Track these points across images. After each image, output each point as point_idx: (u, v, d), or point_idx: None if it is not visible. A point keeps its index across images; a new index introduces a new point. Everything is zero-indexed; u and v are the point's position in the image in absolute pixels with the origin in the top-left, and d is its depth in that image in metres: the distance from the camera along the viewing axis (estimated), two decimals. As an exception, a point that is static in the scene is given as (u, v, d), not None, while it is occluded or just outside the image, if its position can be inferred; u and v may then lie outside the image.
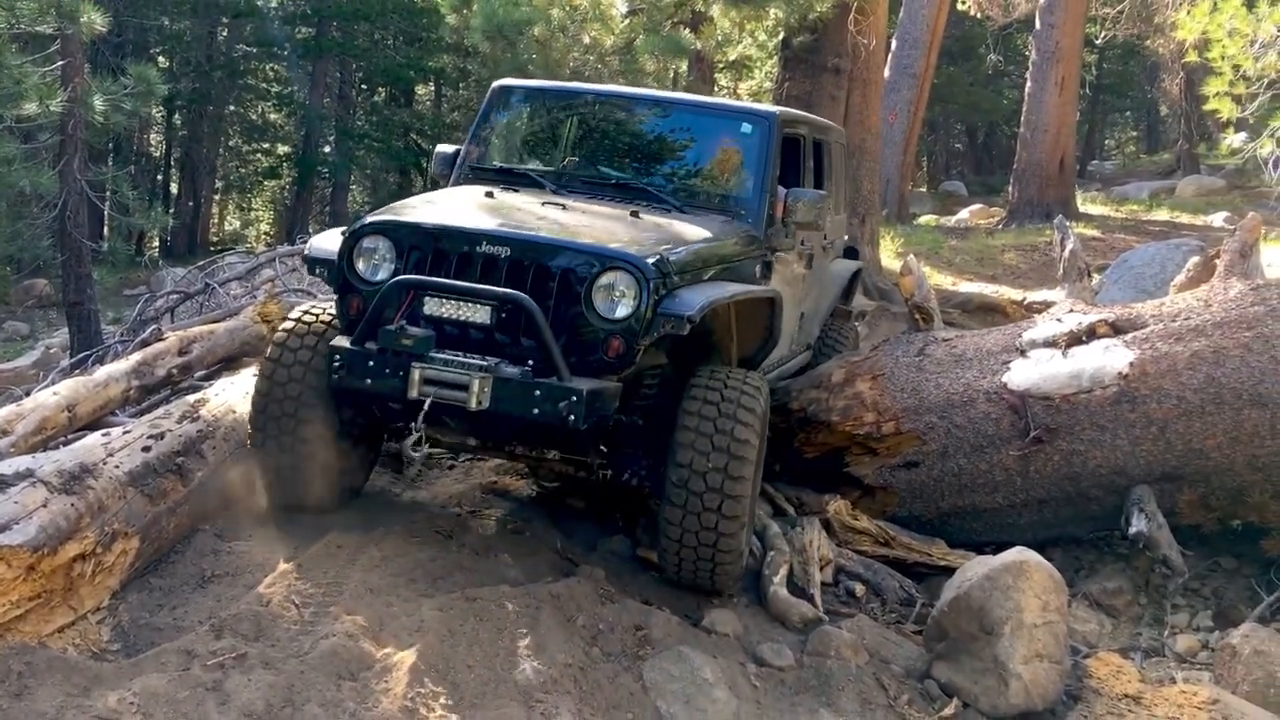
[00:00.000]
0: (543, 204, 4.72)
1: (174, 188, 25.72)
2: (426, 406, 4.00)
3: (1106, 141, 41.28)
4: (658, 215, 4.82)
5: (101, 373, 5.24)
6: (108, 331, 8.22)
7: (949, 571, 4.93)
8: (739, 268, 4.84)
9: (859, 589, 5.10)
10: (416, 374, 4.00)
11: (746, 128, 5.14)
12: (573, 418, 4.00)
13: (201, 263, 9.20)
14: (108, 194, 10.08)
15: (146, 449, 4.38)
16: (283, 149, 26.66)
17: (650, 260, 4.16)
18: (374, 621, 4.01)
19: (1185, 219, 18.91)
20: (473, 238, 4.22)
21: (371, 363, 4.11)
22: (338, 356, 4.18)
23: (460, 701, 3.73)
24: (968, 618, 4.32)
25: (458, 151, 5.36)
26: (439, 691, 3.75)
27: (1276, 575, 4.98)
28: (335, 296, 4.44)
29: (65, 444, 4.79)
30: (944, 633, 4.44)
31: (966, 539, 5.46)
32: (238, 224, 32.33)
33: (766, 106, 5.47)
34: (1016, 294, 12.44)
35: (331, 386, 4.33)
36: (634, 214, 4.69)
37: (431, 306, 4.16)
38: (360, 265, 4.33)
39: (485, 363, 4.03)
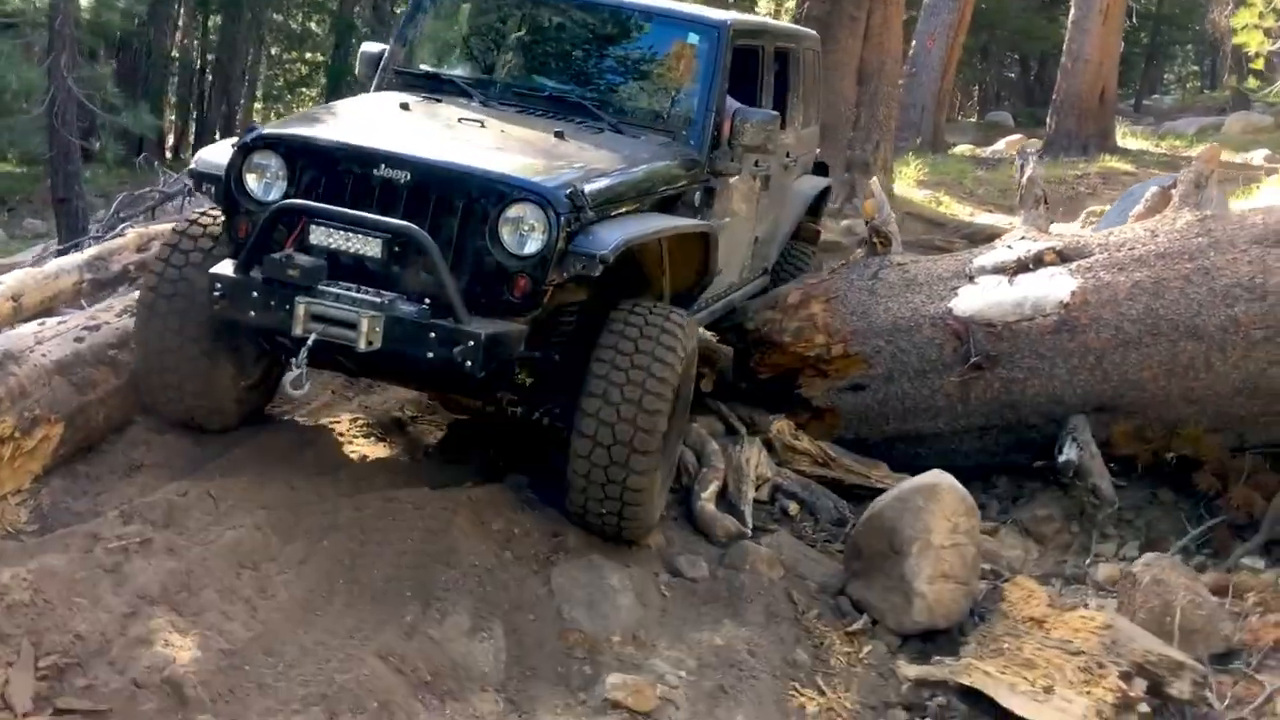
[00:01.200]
0: (459, 120, 4.40)
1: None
2: (310, 344, 3.72)
3: (1165, 75, 40.20)
4: (587, 136, 4.52)
5: (52, 265, 5.34)
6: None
7: (887, 494, 4.96)
8: (675, 196, 4.58)
9: (793, 508, 5.14)
10: (301, 309, 3.69)
11: (693, 37, 4.84)
12: (469, 364, 3.73)
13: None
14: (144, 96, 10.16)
15: (79, 339, 4.48)
16: (320, 57, 26.63)
17: (563, 192, 3.83)
18: (287, 517, 4.10)
19: (1225, 156, 18.39)
20: (370, 159, 3.87)
21: (255, 294, 3.81)
22: (218, 285, 3.87)
23: (359, 596, 3.83)
24: (879, 537, 4.37)
25: (383, 52, 5.00)
26: (340, 586, 3.85)
27: (1207, 510, 4.98)
28: (222, 217, 4.14)
29: (14, 334, 4.88)
30: (859, 551, 4.50)
31: (912, 464, 5.44)
32: (279, 131, 32.32)
33: (718, 14, 5.11)
34: (1031, 227, 12.24)
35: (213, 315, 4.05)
36: (559, 135, 4.36)
37: (318, 235, 3.82)
38: (251, 183, 3.99)
39: (378, 300, 3.74)
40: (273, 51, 27.77)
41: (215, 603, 3.57)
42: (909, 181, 14.92)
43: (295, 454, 4.69)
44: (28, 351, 4.22)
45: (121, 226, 6.44)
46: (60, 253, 7.10)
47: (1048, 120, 19.88)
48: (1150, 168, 17.20)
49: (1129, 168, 17.03)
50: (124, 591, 3.50)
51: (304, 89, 28.46)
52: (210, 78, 25.79)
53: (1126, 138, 20.52)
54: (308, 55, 27.47)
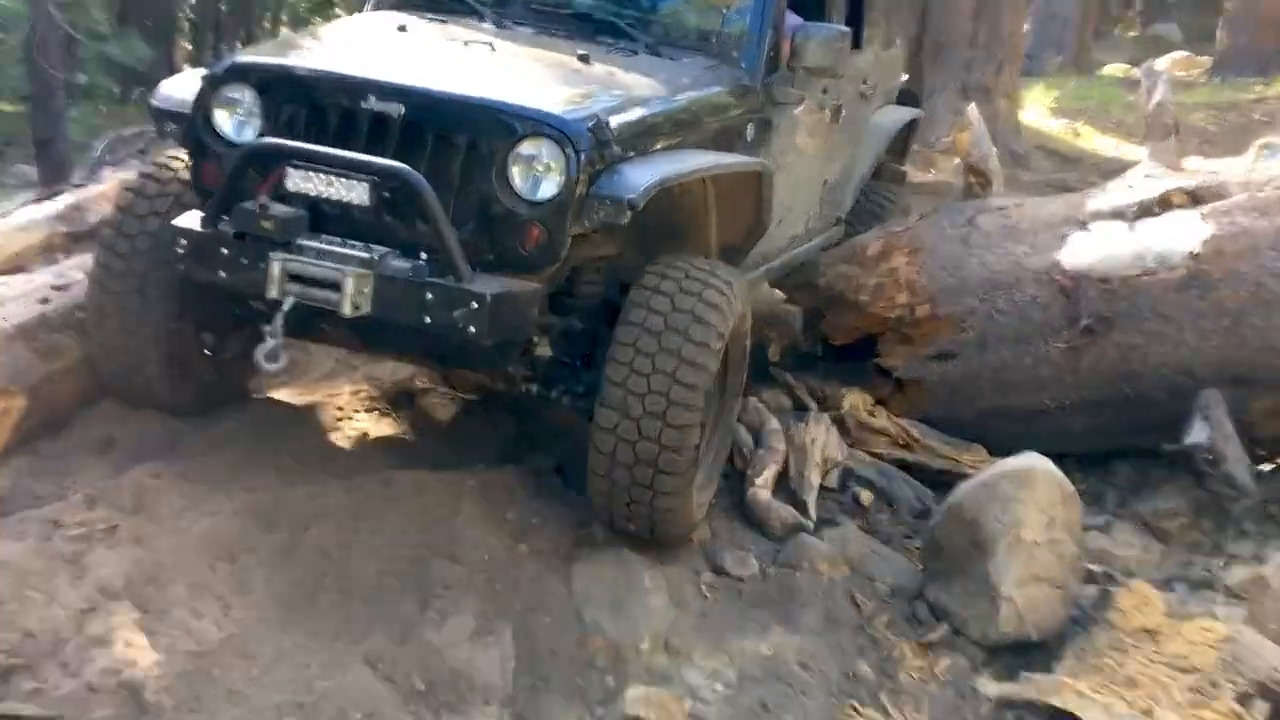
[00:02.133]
0: (465, 43, 4.34)
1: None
2: (285, 309, 3.67)
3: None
4: (617, 60, 4.45)
5: (21, 215, 5.51)
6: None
7: (982, 482, 4.92)
8: (723, 129, 4.54)
9: (866, 497, 5.14)
10: (277, 267, 3.63)
11: None
12: (472, 329, 3.67)
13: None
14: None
15: (44, 300, 4.63)
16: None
17: (584, 125, 3.75)
18: (270, 503, 4.20)
19: None
20: (357, 89, 3.80)
21: (224, 250, 3.77)
22: (182, 240, 3.84)
23: (348, 594, 3.93)
24: (961, 531, 4.37)
25: None
26: (327, 582, 3.95)
27: (1369, 504, 4.89)
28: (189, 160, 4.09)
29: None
30: (939, 548, 4.50)
31: (1012, 446, 5.37)
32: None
33: None
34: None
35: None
36: (583, 58, 4.29)
37: (297, 181, 3.74)
38: (221, 121, 3.93)
39: (366, 255, 3.68)
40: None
41: (184, 599, 3.69)
42: (1043, 109, 14.72)
43: (285, 431, 4.81)
44: (-16, 314, 4.38)
45: (104, 172, 6.62)
46: (46, 200, 7.29)
47: (1218, 34, 19.43)
48: (1339, 94, 16.71)
49: (1308, 94, 16.53)
50: (83, 585, 3.64)
51: (336, 9, 28.87)
52: (226, 9, 26.22)
53: (1319, 54, 19.90)
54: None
